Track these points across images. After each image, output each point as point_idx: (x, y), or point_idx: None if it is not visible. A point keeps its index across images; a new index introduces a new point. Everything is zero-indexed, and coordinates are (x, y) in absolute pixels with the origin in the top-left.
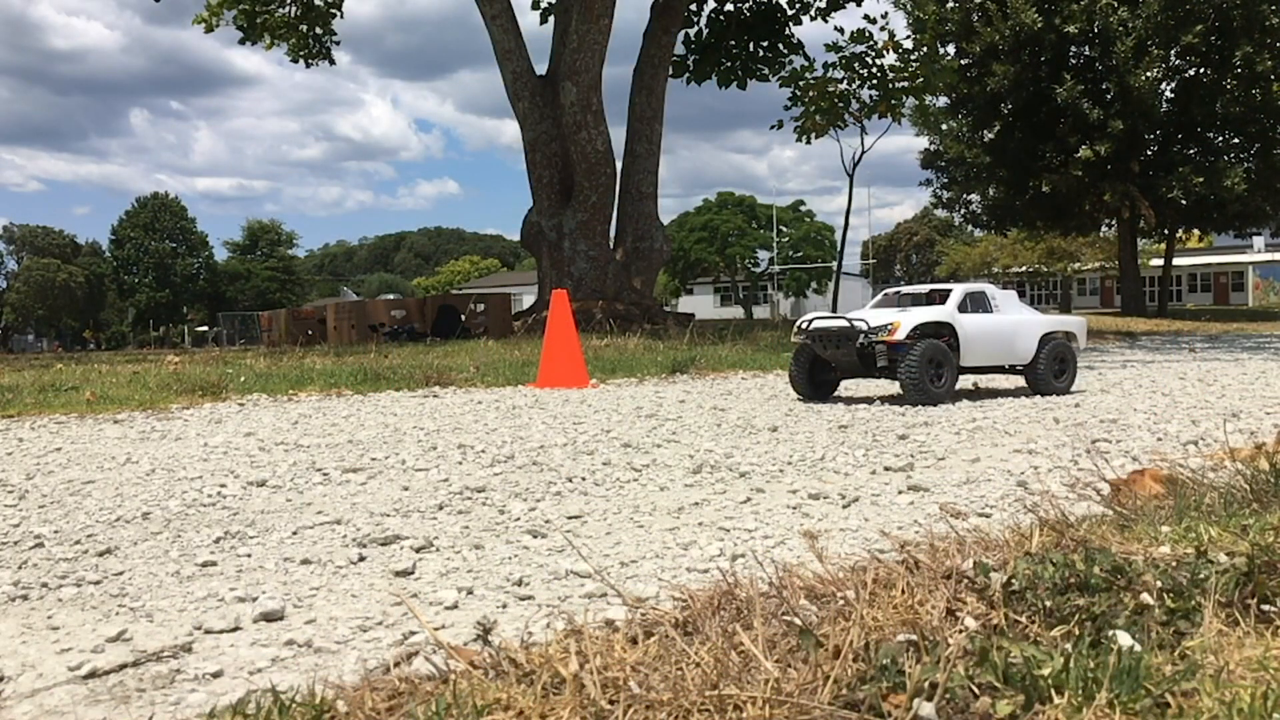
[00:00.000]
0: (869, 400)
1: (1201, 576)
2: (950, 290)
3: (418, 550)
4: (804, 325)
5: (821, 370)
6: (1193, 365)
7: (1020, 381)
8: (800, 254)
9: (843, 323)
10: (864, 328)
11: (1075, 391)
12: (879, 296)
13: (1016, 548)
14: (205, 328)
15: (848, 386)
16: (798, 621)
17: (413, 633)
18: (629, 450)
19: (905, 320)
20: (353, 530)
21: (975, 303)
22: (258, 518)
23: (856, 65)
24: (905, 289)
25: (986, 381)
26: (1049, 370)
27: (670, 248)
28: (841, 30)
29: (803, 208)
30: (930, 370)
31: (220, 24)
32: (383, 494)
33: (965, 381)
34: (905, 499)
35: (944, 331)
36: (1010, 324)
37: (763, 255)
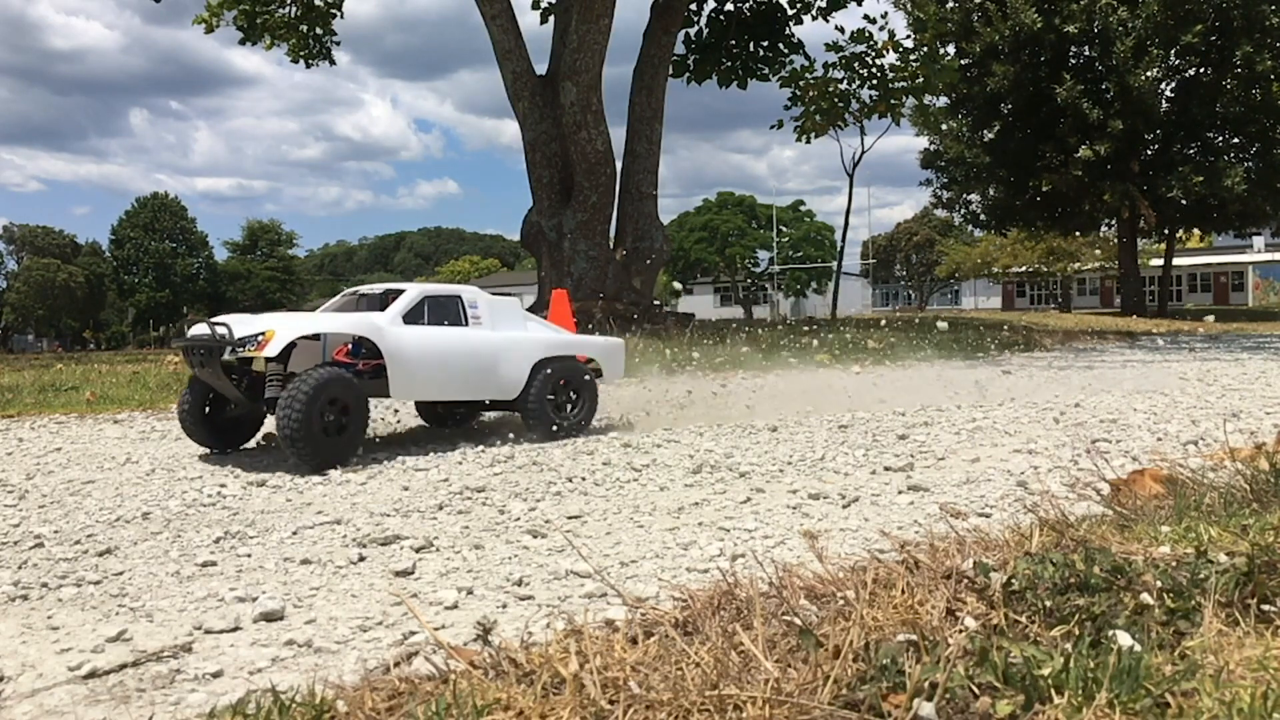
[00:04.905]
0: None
1: (1201, 576)
2: (404, 291)
3: (418, 550)
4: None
5: (222, 404)
6: (1193, 365)
7: (1013, 383)
8: (800, 254)
9: (207, 330)
10: (228, 337)
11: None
12: (338, 297)
13: (1016, 548)
14: None
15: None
16: (798, 621)
17: (413, 633)
18: (629, 450)
19: (287, 327)
20: (353, 530)
21: (438, 311)
22: (258, 518)
23: (856, 65)
24: (365, 289)
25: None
26: (542, 403)
27: (670, 248)
28: (842, 30)
29: (803, 208)
30: (325, 414)
31: (220, 24)
32: (383, 494)
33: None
34: (905, 499)
35: (372, 351)
36: (487, 344)
37: (763, 255)
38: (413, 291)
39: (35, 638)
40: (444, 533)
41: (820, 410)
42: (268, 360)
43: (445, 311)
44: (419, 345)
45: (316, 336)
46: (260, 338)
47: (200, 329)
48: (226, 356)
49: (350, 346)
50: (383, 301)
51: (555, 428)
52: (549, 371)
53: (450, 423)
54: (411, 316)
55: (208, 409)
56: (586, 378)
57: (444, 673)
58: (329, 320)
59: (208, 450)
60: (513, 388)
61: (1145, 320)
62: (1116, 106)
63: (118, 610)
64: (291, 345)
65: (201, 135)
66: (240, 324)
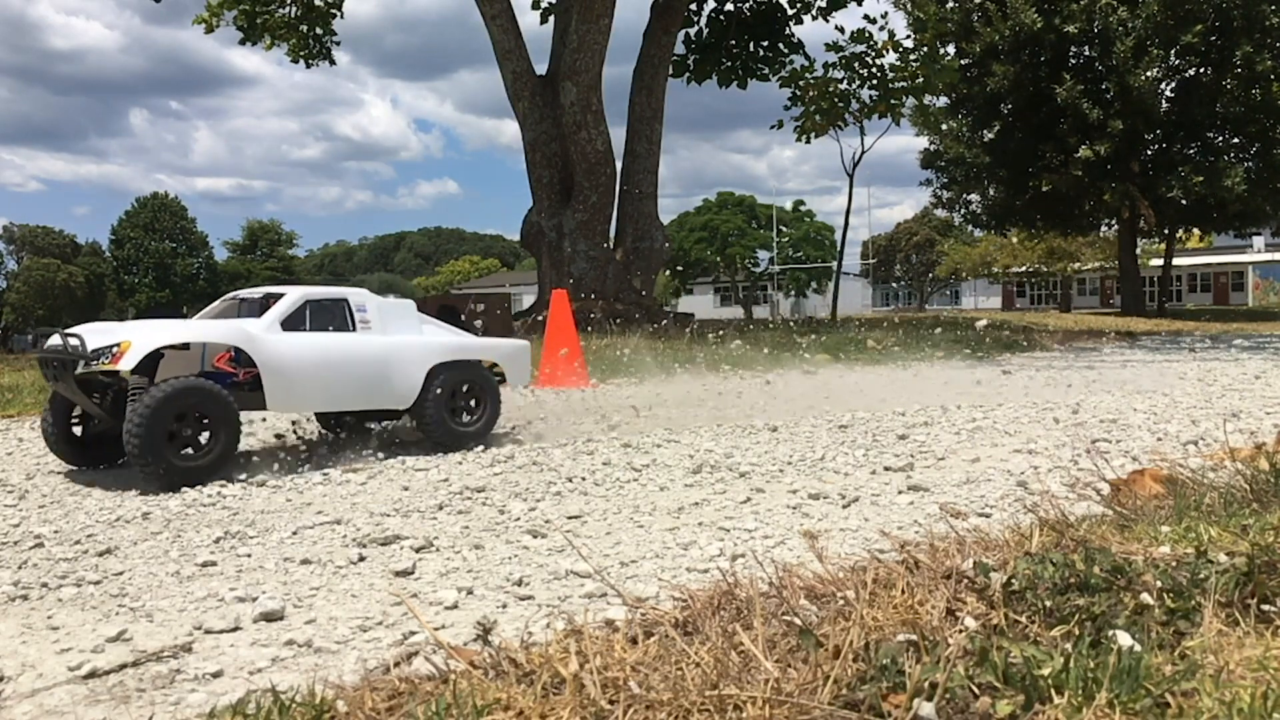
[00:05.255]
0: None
1: (1201, 576)
2: (284, 294)
3: (418, 550)
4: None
5: (89, 419)
6: (1193, 365)
7: (1015, 384)
8: (800, 254)
9: (61, 340)
10: (80, 349)
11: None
12: (218, 302)
13: (1016, 548)
14: None
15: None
16: (798, 621)
17: (413, 633)
18: (629, 450)
19: (144, 338)
20: (353, 530)
21: (322, 316)
22: (258, 518)
23: (856, 65)
24: (244, 293)
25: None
26: (441, 411)
27: (670, 248)
28: (842, 30)
29: (803, 208)
30: (180, 430)
31: (220, 24)
32: (383, 494)
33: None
34: (905, 499)
35: (248, 360)
36: (376, 349)
37: (763, 255)
38: (293, 295)
39: (35, 638)
40: (444, 533)
41: (820, 410)
42: (132, 373)
43: (330, 316)
44: (297, 353)
45: (186, 346)
46: (115, 349)
47: (55, 340)
48: (81, 370)
49: (233, 354)
50: (262, 306)
51: (451, 435)
52: (445, 377)
53: (343, 432)
54: (291, 322)
55: (75, 424)
56: (488, 383)
57: (444, 673)
58: (193, 328)
59: (76, 468)
60: (406, 395)
61: (1146, 320)
62: (1116, 106)
63: (118, 610)
64: (158, 356)
65: (201, 135)
66: (96, 334)
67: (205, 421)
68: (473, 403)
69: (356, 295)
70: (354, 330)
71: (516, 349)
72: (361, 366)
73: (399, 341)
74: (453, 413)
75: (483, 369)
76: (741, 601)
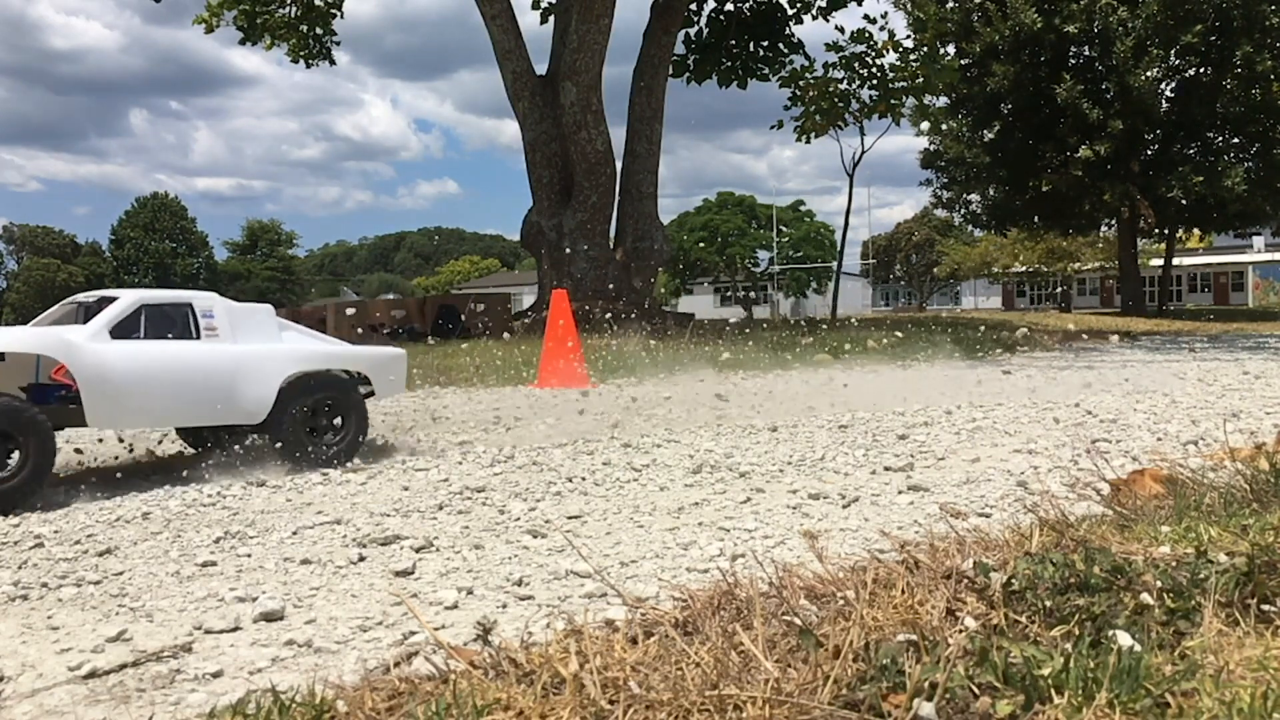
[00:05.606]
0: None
1: (1201, 576)
2: (116, 299)
3: (418, 550)
4: None
5: None
6: (1193, 365)
7: (1016, 383)
8: (800, 254)
9: None
10: None
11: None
12: (56, 307)
13: (1016, 548)
14: None
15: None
16: (798, 621)
17: (413, 633)
18: (629, 450)
19: None
20: (353, 530)
21: (160, 323)
22: (258, 518)
23: (856, 65)
24: (82, 296)
25: (979, 382)
26: (298, 429)
27: (670, 248)
28: (842, 30)
29: (803, 208)
30: None
31: (220, 24)
32: (383, 494)
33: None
34: (905, 499)
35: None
36: (221, 359)
37: (763, 255)
38: (126, 299)
39: (35, 638)
40: (444, 533)
41: (820, 410)
42: None
43: (169, 323)
44: (124, 364)
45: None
46: None
47: None
48: None
49: None
50: (93, 312)
51: (312, 454)
52: (304, 390)
53: (207, 446)
54: (123, 329)
55: None
56: (353, 399)
57: (444, 673)
58: (10, 335)
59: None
60: (256, 409)
61: (1146, 320)
62: (1116, 106)
63: (118, 610)
64: None
65: (201, 135)
66: None
67: (9, 442)
68: (336, 420)
69: (202, 300)
70: (198, 338)
71: (388, 358)
72: (201, 378)
73: (248, 351)
74: (312, 431)
75: (348, 382)
76: (741, 601)
